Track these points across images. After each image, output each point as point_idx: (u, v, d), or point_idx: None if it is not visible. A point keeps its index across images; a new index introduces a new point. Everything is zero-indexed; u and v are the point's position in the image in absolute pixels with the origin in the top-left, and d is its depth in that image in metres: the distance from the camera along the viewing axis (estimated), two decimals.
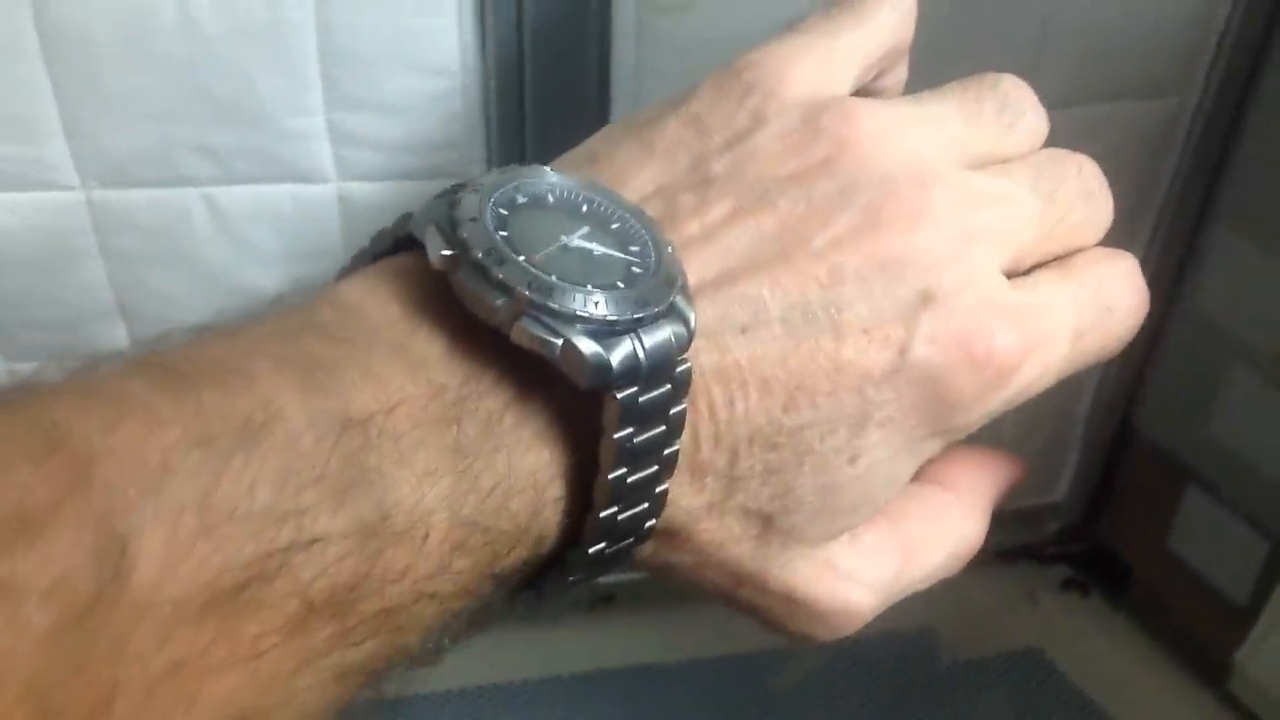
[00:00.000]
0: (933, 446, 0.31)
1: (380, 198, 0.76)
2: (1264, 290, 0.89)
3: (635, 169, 0.30)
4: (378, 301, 0.26)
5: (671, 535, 0.29)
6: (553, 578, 0.29)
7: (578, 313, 0.25)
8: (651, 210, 0.29)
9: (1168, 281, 0.96)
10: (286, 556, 0.22)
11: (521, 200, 0.27)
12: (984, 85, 0.33)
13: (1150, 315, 0.96)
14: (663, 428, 0.26)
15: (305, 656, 0.22)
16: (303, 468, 0.22)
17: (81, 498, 0.20)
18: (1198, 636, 1.04)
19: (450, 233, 0.26)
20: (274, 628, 0.22)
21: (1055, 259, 0.32)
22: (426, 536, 0.24)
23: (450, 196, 0.27)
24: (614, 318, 0.25)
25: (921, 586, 0.33)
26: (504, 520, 0.25)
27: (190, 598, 0.20)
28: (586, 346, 0.25)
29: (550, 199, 0.28)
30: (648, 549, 0.29)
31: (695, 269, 0.28)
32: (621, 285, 0.26)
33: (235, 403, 0.22)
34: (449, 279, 0.26)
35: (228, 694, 0.21)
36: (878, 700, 1.10)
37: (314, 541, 0.22)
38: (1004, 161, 0.32)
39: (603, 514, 0.26)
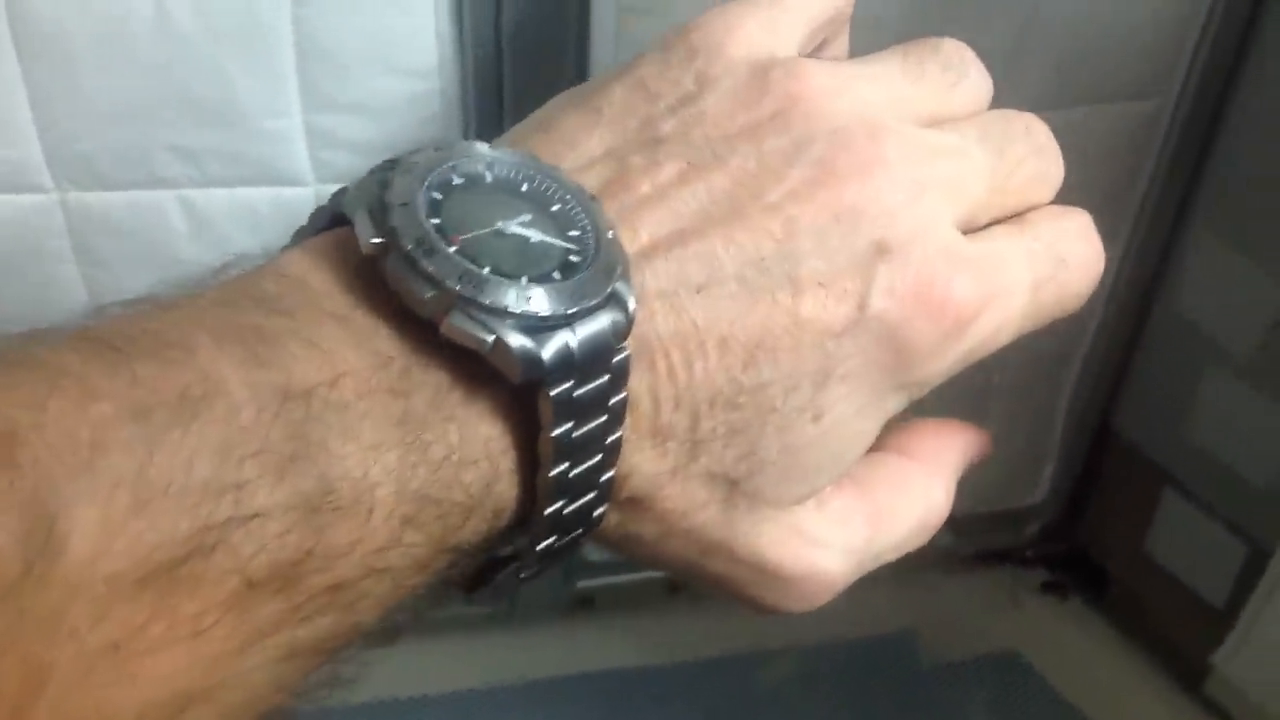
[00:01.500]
0: (896, 402, 0.30)
1: None
2: (1241, 293, 0.90)
3: (584, 135, 0.29)
4: (321, 274, 0.25)
5: (635, 504, 0.28)
6: (505, 574, 0.28)
7: (509, 309, 0.24)
8: (602, 172, 0.29)
9: (1145, 284, 0.96)
10: (224, 532, 0.21)
11: (457, 181, 0.27)
12: (925, 47, 0.33)
13: (1128, 317, 0.96)
14: (603, 418, 0.25)
15: (250, 635, 0.22)
16: (243, 441, 0.22)
17: (5, 477, 0.19)
18: (1176, 639, 1.04)
19: (380, 218, 0.25)
20: (214, 604, 0.21)
21: (1009, 217, 0.32)
22: (372, 510, 0.23)
23: (382, 175, 0.26)
24: (547, 313, 0.25)
25: (891, 557, 0.32)
26: (456, 492, 0.25)
27: (125, 574, 0.20)
28: (516, 342, 0.24)
29: (488, 178, 0.27)
30: (612, 519, 0.28)
31: (648, 228, 0.28)
32: (558, 276, 0.25)
33: (172, 375, 0.22)
34: (378, 266, 0.25)
35: (169, 673, 0.21)
36: (858, 702, 1.10)
37: (253, 516, 0.21)
38: (950, 120, 0.32)
39: (548, 510, 0.26)
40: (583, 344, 0.25)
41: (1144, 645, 1.08)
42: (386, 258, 0.25)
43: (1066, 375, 1.02)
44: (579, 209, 0.27)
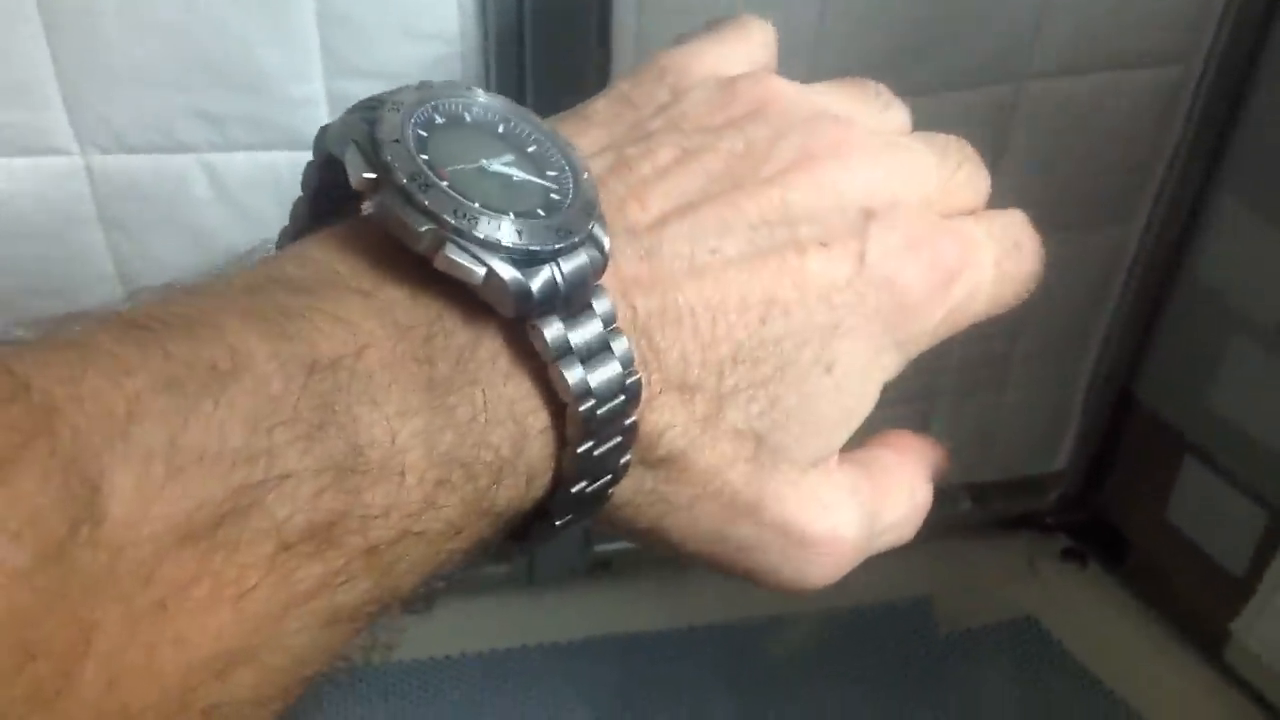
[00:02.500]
0: (893, 361, 0.32)
1: None
2: (1267, 261, 0.89)
3: (578, 138, 0.31)
4: (341, 253, 0.26)
5: (669, 463, 0.29)
6: (539, 525, 0.29)
7: (501, 242, 0.25)
8: (602, 163, 0.30)
9: (1170, 251, 0.96)
10: (258, 494, 0.22)
11: (440, 120, 0.28)
12: (853, 80, 0.36)
13: (1152, 285, 0.96)
14: (613, 361, 0.27)
15: (290, 598, 0.23)
16: (272, 411, 0.22)
17: (45, 444, 0.20)
18: (1195, 607, 1.04)
19: (372, 154, 0.26)
20: (253, 566, 0.22)
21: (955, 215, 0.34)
22: (404, 474, 0.24)
23: (367, 114, 0.27)
24: (536, 247, 0.26)
25: (887, 541, 0.33)
26: (486, 453, 0.25)
27: (165, 537, 0.21)
28: (507, 273, 0.25)
29: (467, 118, 0.28)
30: (647, 483, 0.29)
31: (658, 202, 0.29)
32: (542, 213, 0.27)
33: (202, 351, 0.22)
34: (367, 201, 0.26)
35: (214, 634, 0.21)
36: (875, 669, 1.10)
37: (286, 478, 0.22)
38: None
39: (579, 449, 0.26)
40: (567, 278, 0.26)
41: (1163, 613, 1.08)
42: (379, 193, 0.26)
43: (1089, 343, 1.02)
44: (554, 150, 0.28)
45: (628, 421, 0.27)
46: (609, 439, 0.27)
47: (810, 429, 0.30)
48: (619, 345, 0.27)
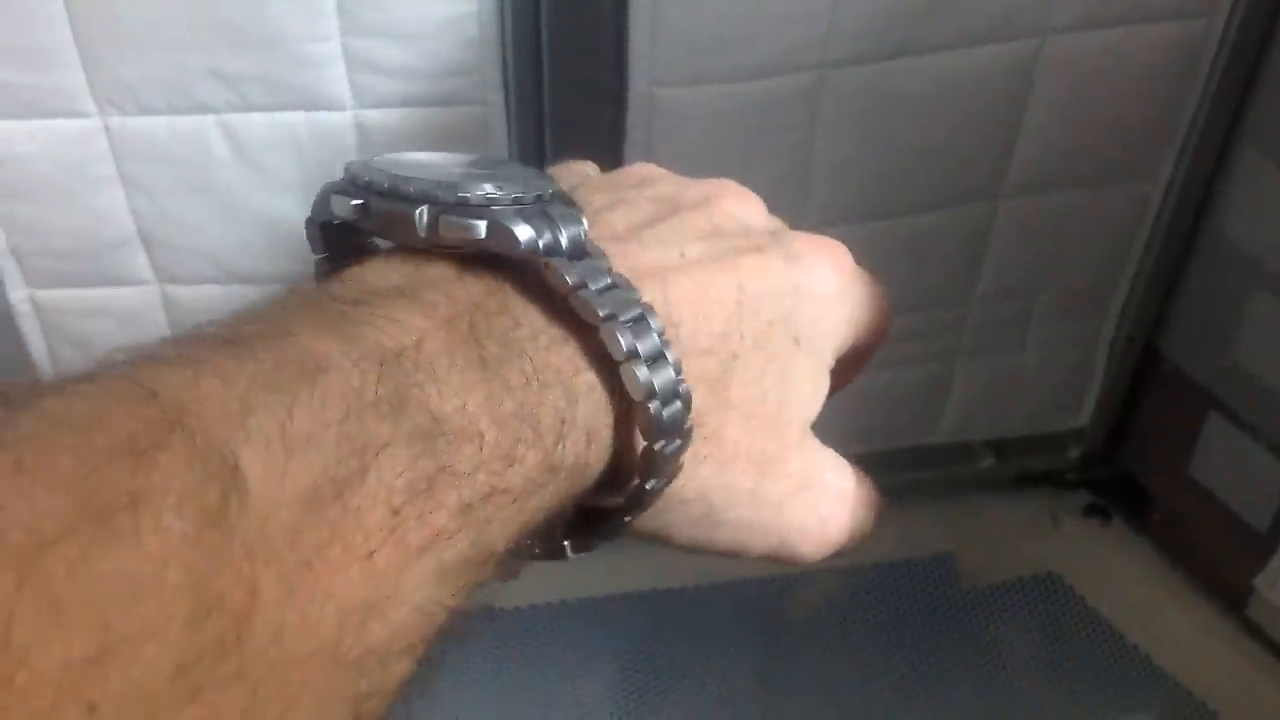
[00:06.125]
0: (831, 344, 0.36)
1: (397, 125, 0.75)
2: None
3: None
4: (379, 274, 0.30)
5: (703, 422, 0.32)
6: (609, 522, 0.33)
7: (488, 195, 0.29)
8: None
9: (1193, 206, 0.95)
10: (365, 460, 0.25)
11: (403, 159, 0.31)
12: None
13: (1175, 241, 0.96)
14: (637, 308, 0.29)
15: (406, 555, 0.25)
16: (358, 398, 0.26)
17: (183, 434, 0.22)
18: (1218, 562, 1.04)
19: (351, 187, 0.30)
20: (375, 528, 0.25)
21: None
22: (482, 436, 0.27)
23: (333, 183, 0.31)
24: (519, 194, 0.29)
25: (860, 519, 0.37)
26: (545, 412, 0.28)
27: (298, 506, 0.24)
28: (509, 221, 0.28)
29: (422, 158, 0.32)
30: (687, 451, 0.32)
31: (619, 223, 0.33)
32: (513, 177, 0.30)
33: (287, 355, 0.25)
34: (366, 225, 0.30)
35: (350, 589, 0.24)
36: (899, 624, 1.11)
37: (386, 446, 0.25)
38: None
39: (640, 385, 0.29)
40: (559, 222, 0.29)
41: (1186, 568, 1.08)
42: (369, 211, 0.30)
43: (1112, 299, 1.01)
44: (507, 162, 0.32)
45: (678, 378, 0.30)
46: (661, 366, 0.30)
47: (795, 394, 0.34)
48: (651, 317, 0.30)
